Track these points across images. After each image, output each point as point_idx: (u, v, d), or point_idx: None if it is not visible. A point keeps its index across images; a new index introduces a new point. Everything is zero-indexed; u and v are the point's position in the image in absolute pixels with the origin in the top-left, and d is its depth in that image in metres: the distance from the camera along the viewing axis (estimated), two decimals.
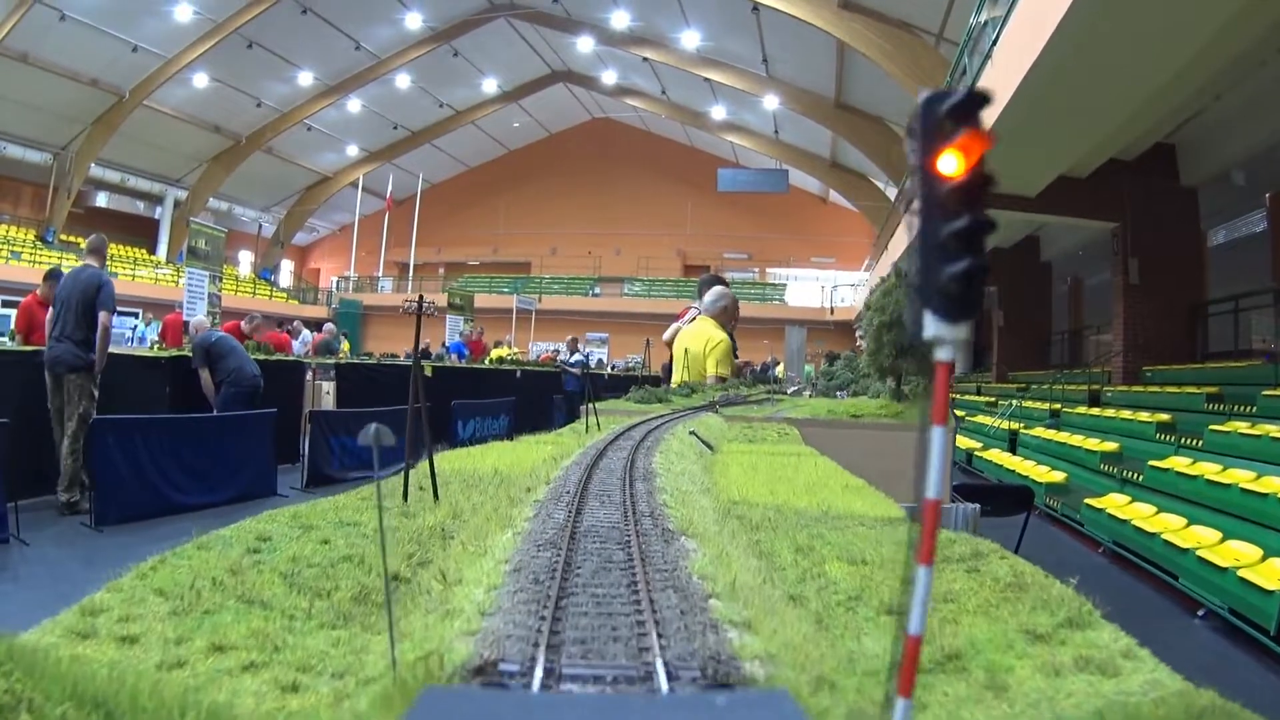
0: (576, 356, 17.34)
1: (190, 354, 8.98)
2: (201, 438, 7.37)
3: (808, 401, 4.18)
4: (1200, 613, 5.96)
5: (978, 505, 3.14)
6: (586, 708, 0.50)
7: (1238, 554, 5.92)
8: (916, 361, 3.46)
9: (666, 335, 6.79)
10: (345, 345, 20.41)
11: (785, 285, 39.29)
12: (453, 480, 1.88)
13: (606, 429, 2.76)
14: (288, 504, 1.53)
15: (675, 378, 6.04)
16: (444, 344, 23.39)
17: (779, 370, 8.22)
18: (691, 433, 2.44)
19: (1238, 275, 12.15)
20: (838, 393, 4.46)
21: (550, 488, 1.44)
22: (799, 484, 2.00)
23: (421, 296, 1.50)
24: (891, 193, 24.86)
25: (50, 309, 7.16)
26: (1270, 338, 11.72)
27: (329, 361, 13.05)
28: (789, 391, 4.69)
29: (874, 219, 28.96)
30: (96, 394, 6.92)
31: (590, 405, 2.90)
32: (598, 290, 39.57)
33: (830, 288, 35.98)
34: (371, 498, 1.57)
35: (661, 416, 3.02)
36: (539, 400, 16.38)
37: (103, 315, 6.91)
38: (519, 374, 16.99)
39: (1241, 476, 6.80)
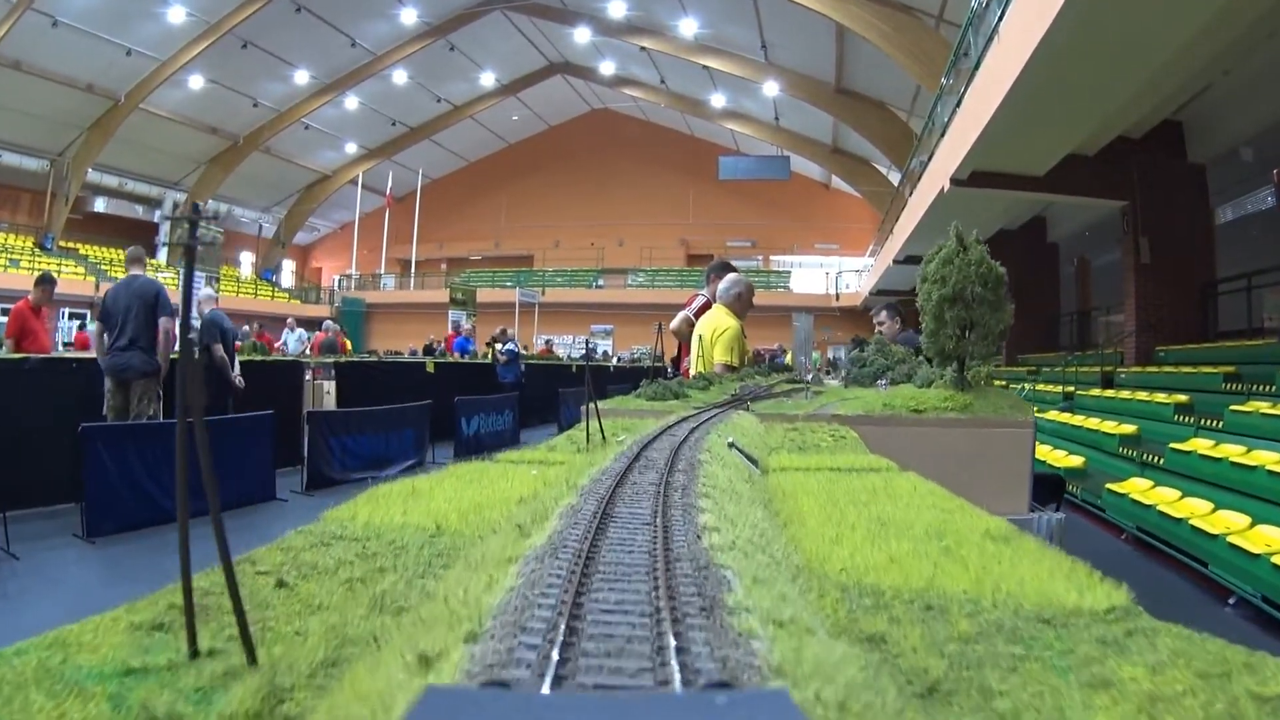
0: (508, 345, 17.08)
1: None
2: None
3: (858, 394, 3.80)
4: (1231, 600, 5.77)
5: (1062, 515, 2.81)
6: (589, 708, 0.48)
7: (1269, 539, 5.71)
8: (985, 343, 3.13)
9: (674, 325, 6.63)
10: (347, 344, 20.22)
11: (790, 272, 38.97)
12: (351, 556, 1.16)
13: (614, 441, 2.14)
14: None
15: (693, 368, 5.85)
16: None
17: (787, 359, 8.04)
18: (731, 444, 1.90)
19: (1246, 253, 11.93)
20: (877, 382, 4.18)
21: (496, 634, 0.62)
22: (919, 533, 1.34)
23: (197, 206, 0.67)
24: (894, 177, 24.57)
25: (101, 320, 7.54)
26: None
27: (328, 360, 12.90)
28: (808, 378, 4.46)
29: (877, 204, 28.68)
30: (161, 394, 7.51)
31: (592, 406, 2.38)
32: (601, 282, 39.32)
33: (835, 274, 35.70)
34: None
35: (683, 419, 2.37)
36: (544, 395, 16.30)
37: (164, 320, 7.44)
38: (522, 368, 16.91)
39: (1267, 458, 6.59)
